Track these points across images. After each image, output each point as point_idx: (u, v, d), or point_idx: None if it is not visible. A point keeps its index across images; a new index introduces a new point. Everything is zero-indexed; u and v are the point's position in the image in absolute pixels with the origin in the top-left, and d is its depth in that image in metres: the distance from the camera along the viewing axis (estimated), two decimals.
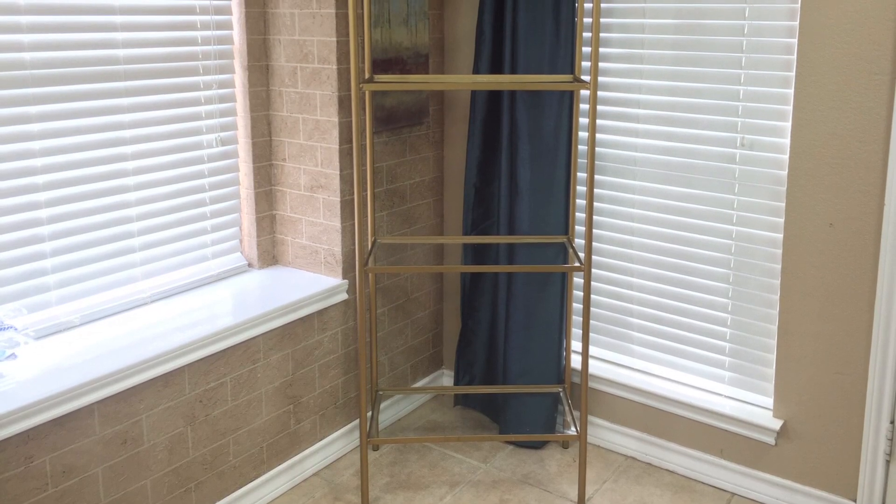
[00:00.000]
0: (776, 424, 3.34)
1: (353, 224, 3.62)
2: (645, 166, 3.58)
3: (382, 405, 4.00)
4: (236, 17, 3.52)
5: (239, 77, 3.57)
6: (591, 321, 3.87)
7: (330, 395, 3.68)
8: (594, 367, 3.79)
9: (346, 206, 3.58)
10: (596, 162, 3.66)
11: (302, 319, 3.46)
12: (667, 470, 3.67)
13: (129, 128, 3.18)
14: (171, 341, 2.97)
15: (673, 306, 3.63)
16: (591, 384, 3.80)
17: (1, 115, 2.78)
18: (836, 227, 3.08)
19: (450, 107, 4.06)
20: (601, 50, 3.60)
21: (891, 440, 3.11)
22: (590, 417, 3.86)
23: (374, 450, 3.84)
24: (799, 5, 3.05)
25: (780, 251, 3.28)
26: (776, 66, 3.19)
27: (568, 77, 3.47)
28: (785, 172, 3.21)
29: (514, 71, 3.60)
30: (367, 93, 3.53)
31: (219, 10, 3.46)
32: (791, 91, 3.15)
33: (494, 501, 3.47)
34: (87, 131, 3.04)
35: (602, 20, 3.57)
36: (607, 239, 3.75)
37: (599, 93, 3.64)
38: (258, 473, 3.40)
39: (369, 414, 3.72)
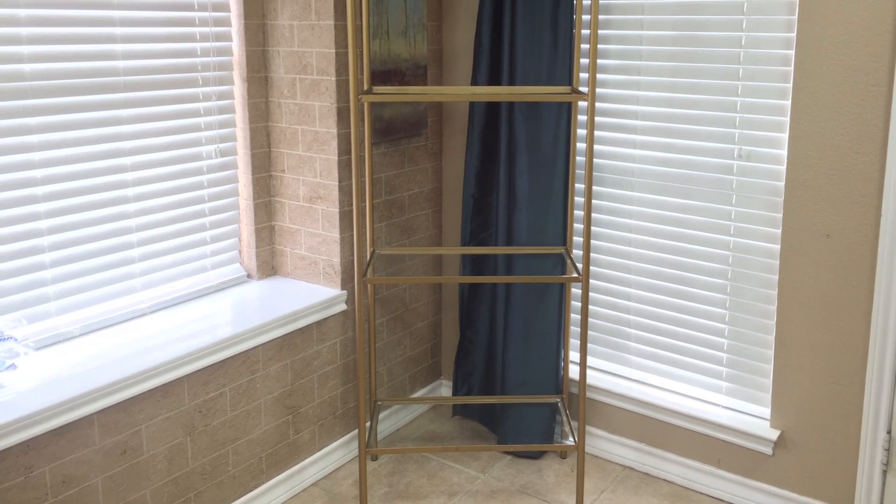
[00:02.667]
0: (773, 434, 3.34)
1: (352, 235, 3.63)
2: (643, 177, 3.59)
3: (381, 415, 4.01)
4: (235, 29, 3.53)
5: (238, 88, 3.58)
6: (589, 331, 3.88)
7: (329, 406, 3.68)
8: (592, 378, 3.80)
9: (345, 216, 3.59)
10: (594, 173, 3.67)
11: (301, 330, 3.47)
12: (664, 480, 3.68)
13: (128, 139, 3.19)
14: (171, 352, 2.98)
15: (670, 317, 3.64)
16: (589, 394, 3.81)
17: (1, 127, 2.79)
18: (832, 238, 3.10)
19: (448, 118, 4.08)
20: (599, 61, 3.61)
21: (887, 450, 3.11)
22: (588, 427, 3.87)
23: (373, 460, 3.85)
24: (796, 17, 3.07)
25: (777, 262, 3.29)
26: (774, 78, 3.20)
27: (566, 88, 3.48)
28: (782, 184, 3.23)
29: (512, 82, 3.62)
30: (365, 104, 3.54)
31: (218, 22, 3.47)
32: (788, 102, 3.16)
33: None
34: (86, 143, 3.05)
35: (600, 32, 3.58)
36: (605, 250, 3.76)
37: (597, 104, 3.65)
38: (257, 483, 3.40)
39: (368, 424, 3.72)
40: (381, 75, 3.64)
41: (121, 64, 3.12)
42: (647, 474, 3.73)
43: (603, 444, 3.85)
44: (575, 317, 3.88)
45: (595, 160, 3.70)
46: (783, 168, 3.21)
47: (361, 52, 3.54)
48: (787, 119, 3.17)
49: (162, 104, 3.29)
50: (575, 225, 3.77)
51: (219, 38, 3.49)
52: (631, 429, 3.75)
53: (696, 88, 3.39)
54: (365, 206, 3.64)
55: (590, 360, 3.89)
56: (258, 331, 3.26)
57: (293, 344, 3.45)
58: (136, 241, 3.28)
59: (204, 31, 3.42)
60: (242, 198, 3.68)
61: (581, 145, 3.70)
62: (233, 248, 3.69)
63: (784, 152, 3.20)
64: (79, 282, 3.10)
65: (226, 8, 3.49)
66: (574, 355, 3.90)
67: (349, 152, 3.55)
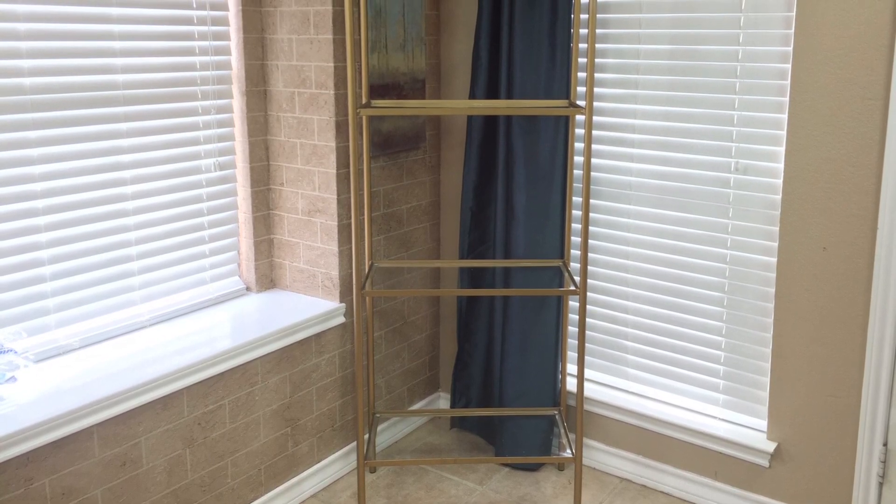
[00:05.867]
0: (770, 447, 3.35)
1: (351, 248, 3.64)
2: (640, 191, 3.61)
3: (379, 428, 4.01)
4: (234, 43, 3.55)
5: (237, 102, 3.60)
6: (587, 344, 3.89)
7: (327, 418, 3.69)
8: (589, 390, 3.81)
9: (344, 230, 3.60)
10: (591, 186, 3.69)
11: (300, 342, 3.48)
12: (661, 492, 3.68)
13: (128, 152, 3.20)
14: (170, 364, 2.99)
15: (667, 329, 3.65)
16: (587, 407, 3.81)
17: (1, 140, 2.80)
18: (829, 251, 3.11)
19: (446, 131, 4.09)
20: (596, 75, 3.63)
21: (884, 462, 3.12)
22: (585, 440, 3.88)
23: (372, 472, 3.85)
24: (793, 31, 3.09)
25: (773, 275, 3.30)
26: (770, 92, 3.22)
27: (563, 102, 3.50)
28: (779, 197, 3.24)
29: (510, 96, 3.63)
30: (364, 118, 3.56)
31: (217, 36, 3.49)
32: (785, 116, 3.18)
33: None
34: (86, 156, 3.06)
35: (597, 46, 3.61)
36: (602, 263, 3.77)
37: (595, 118, 3.67)
38: (256, 495, 3.40)
39: (366, 436, 3.73)
40: (380, 89, 3.66)
41: (120, 78, 3.13)
42: (644, 486, 3.73)
43: (600, 456, 3.85)
44: (572, 329, 3.89)
45: (592, 174, 3.71)
46: (780, 181, 3.23)
47: (360, 65, 3.56)
48: (784, 132, 3.18)
49: (161, 118, 3.31)
50: (572, 238, 3.78)
51: (218, 52, 3.50)
52: (628, 441, 3.76)
53: (693, 102, 3.41)
54: (363, 219, 3.65)
55: (587, 373, 3.90)
56: (257, 343, 3.27)
57: (292, 356, 3.46)
58: (135, 254, 3.29)
59: (203, 45, 3.43)
60: (241, 211, 3.69)
61: (578, 159, 3.71)
62: (232, 261, 3.70)
63: (781, 166, 3.22)
64: (78, 294, 3.11)
65: (225, 22, 3.51)
66: (571, 368, 3.91)
67: (348, 166, 3.57)
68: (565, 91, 3.57)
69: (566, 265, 3.65)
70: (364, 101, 3.53)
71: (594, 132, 3.68)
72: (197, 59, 3.42)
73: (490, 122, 3.77)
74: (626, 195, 3.65)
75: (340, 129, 3.51)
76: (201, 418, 3.12)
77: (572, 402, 3.87)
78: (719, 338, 3.51)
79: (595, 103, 3.65)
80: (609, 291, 3.79)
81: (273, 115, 3.66)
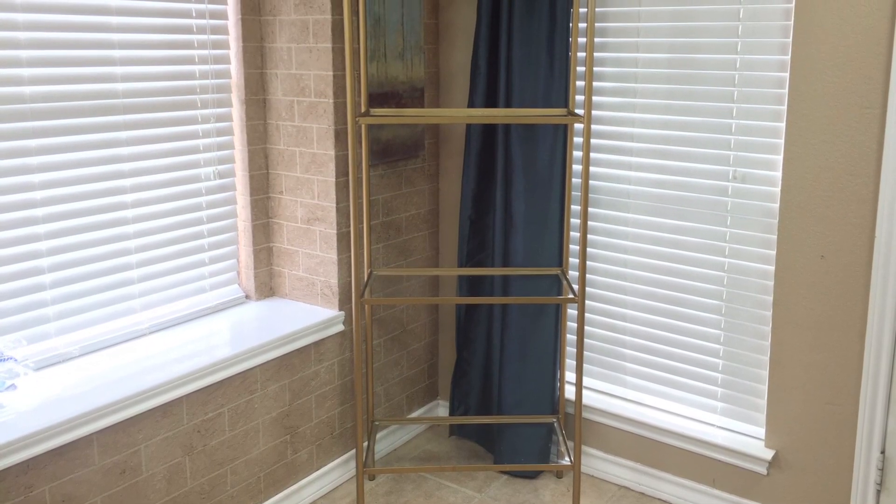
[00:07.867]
0: (768, 454, 3.36)
1: (350, 256, 3.65)
2: (638, 199, 3.62)
3: (378, 435, 4.01)
4: (234, 52, 3.56)
5: (236, 111, 3.61)
6: (585, 352, 3.90)
7: (326, 426, 3.69)
8: (588, 398, 3.81)
9: (343, 238, 3.61)
10: (590, 195, 3.70)
11: (299, 350, 3.48)
12: (660, 499, 3.68)
13: (127, 161, 3.21)
14: (170, 372, 2.99)
15: (666, 337, 3.65)
16: (585, 414, 3.82)
17: (1, 149, 2.81)
18: (827, 260, 3.12)
19: (445, 140, 4.10)
20: (595, 84, 3.64)
21: (881, 470, 3.13)
22: (583, 447, 3.88)
23: (371, 479, 3.85)
24: (790, 40, 3.10)
25: (771, 283, 3.31)
26: (768, 100, 3.23)
27: (562, 111, 3.51)
28: (777, 205, 3.25)
29: (508, 105, 3.64)
30: (363, 126, 3.57)
31: (217, 45, 3.50)
32: (783, 124, 3.19)
33: None
34: (86, 164, 3.06)
35: (596, 54, 3.62)
36: (601, 271, 3.78)
37: (593, 126, 3.68)
38: (256, 503, 3.42)
39: (365, 444, 3.73)
40: (379, 97, 3.67)
41: (120, 86, 3.14)
42: (642, 494, 3.73)
43: (599, 463, 3.86)
44: (571, 337, 3.90)
45: (591, 182, 3.72)
46: (777, 190, 3.24)
47: (359, 74, 3.57)
48: (782, 141, 3.19)
49: (161, 126, 3.32)
50: (571, 246, 3.79)
51: (217, 60, 3.51)
52: (626, 449, 3.76)
53: (691, 110, 3.42)
54: (362, 227, 3.66)
55: (585, 381, 3.91)
56: (256, 351, 3.28)
57: (291, 364, 3.47)
58: (135, 262, 3.29)
59: (203, 53, 3.44)
60: (241, 219, 3.69)
61: (577, 167, 3.72)
62: (231, 269, 3.71)
63: (778, 174, 3.23)
64: (78, 302, 3.12)
65: (224, 31, 3.52)
66: (570, 375, 3.92)
67: (347, 174, 3.57)
68: (564, 99, 3.58)
69: (565, 273, 3.66)
70: (363, 109, 3.54)
71: (592, 140, 3.69)
72: (196, 68, 3.43)
73: (489, 130, 3.78)
74: (624, 203, 3.66)
75: (339, 137, 3.52)
76: (201, 426, 3.12)
77: (571, 410, 3.88)
78: (717, 345, 3.52)
79: (593, 111, 3.66)
80: (607, 299, 3.79)
81: (272, 124, 3.67)
